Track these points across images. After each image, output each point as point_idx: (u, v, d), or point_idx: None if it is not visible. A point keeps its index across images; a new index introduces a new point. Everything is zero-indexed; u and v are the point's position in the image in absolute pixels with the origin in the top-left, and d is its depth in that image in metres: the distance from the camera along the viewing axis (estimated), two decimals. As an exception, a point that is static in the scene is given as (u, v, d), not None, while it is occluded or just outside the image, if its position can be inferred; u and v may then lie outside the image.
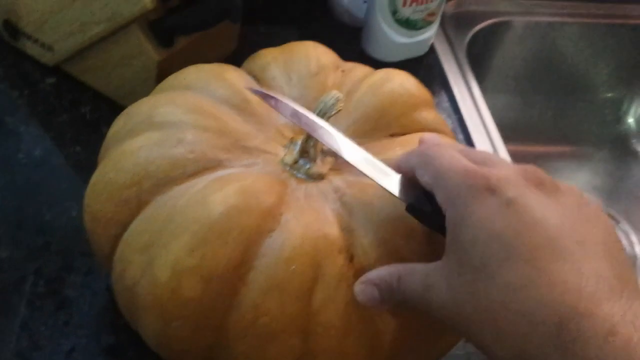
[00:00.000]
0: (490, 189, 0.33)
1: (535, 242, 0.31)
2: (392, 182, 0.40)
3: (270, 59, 0.50)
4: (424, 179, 0.37)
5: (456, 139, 0.70)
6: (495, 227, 0.32)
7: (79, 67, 0.67)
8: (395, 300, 0.37)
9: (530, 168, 0.35)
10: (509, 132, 0.84)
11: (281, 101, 0.44)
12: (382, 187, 0.40)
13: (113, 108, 0.49)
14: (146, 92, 0.50)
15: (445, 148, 0.38)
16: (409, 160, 0.39)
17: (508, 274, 0.31)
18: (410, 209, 0.39)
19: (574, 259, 0.31)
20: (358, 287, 0.38)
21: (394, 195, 0.40)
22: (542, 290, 0.30)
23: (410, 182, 0.40)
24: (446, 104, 0.75)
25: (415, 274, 0.36)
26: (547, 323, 0.30)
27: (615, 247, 0.33)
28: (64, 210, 0.58)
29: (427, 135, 0.43)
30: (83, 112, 0.67)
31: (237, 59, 0.54)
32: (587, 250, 0.31)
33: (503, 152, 0.69)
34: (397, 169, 0.40)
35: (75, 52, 0.65)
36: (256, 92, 0.45)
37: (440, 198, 0.35)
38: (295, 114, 0.43)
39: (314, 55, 0.50)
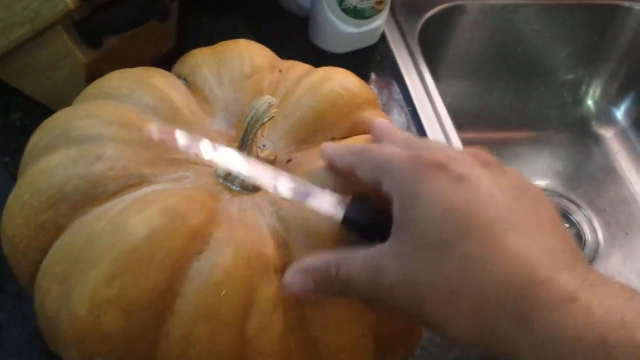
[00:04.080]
0: (440, 166, 0.33)
1: (491, 216, 0.31)
2: (319, 200, 0.38)
3: (201, 60, 0.47)
4: (366, 175, 0.36)
5: (409, 132, 0.68)
6: (449, 201, 0.31)
7: (8, 71, 0.63)
8: (333, 289, 0.35)
9: (476, 149, 0.35)
10: (466, 120, 0.82)
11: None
12: (311, 208, 0.37)
13: (45, 114, 0.46)
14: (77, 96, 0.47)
15: (384, 144, 0.38)
16: (347, 160, 0.37)
17: (465, 248, 0.30)
18: (346, 221, 0.37)
19: (529, 232, 0.31)
20: (289, 277, 0.36)
21: (325, 214, 0.37)
22: (501, 262, 0.30)
23: (337, 199, 0.38)
24: (398, 95, 0.72)
25: (358, 259, 0.34)
26: (506, 294, 0.30)
27: (561, 225, 0.33)
28: (-8, 227, 0.55)
29: (378, 121, 0.42)
30: (13, 119, 0.63)
31: (176, 55, 0.51)
32: (539, 224, 0.32)
33: (457, 142, 0.67)
34: (334, 167, 0.39)
35: (1, 55, 0.60)
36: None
37: (386, 185, 0.34)
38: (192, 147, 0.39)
39: (247, 55, 0.47)
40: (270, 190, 0.38)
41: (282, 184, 0.38)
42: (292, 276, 0.36)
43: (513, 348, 0.30)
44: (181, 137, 0.39)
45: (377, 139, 0.42)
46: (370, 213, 0.37)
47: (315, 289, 0.35)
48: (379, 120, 0.42)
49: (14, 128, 0.63)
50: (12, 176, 0.58)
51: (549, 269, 0.30)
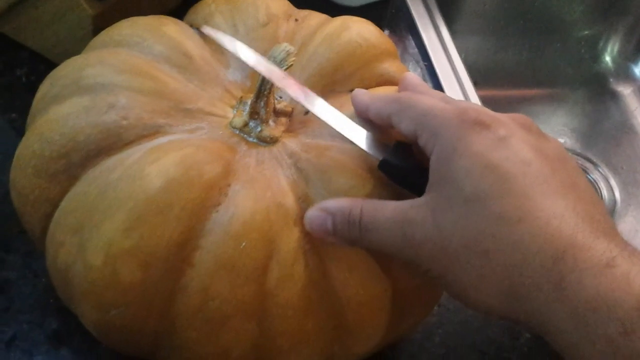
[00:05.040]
0: (484, 124, 0.32)
1: (530, 178, 0.31)
2: (361, 139, 0.37)
3: (214, 8, 0.45)
4: (403, 124, 0.35)
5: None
6: (490, 159, 0.31)
7: (12, 26, 0.61)
8: (352, 235, 0.34)
9: (519, 115, 0.35)
10: (481, 76, 0.80)
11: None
12: (353, 143, 0.37)
13: (51, 69, 0.44)
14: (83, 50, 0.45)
15: (423, 96, 0.36)
16: (383, 108, 0.36)
17: (502, 206, 0.30)
18: (384, 164, 0.36)
19: (569, 198, 0.31)
20: (309, 212, 0.35)
21: (366, 152, 0.37)
22: (539, 223, 0.29)
23: (377, 140, 0.37)
24: (414, 49, 0.70)
25: (387, 209, 0.33)
26: (543, 254, 0.29)
27: (599, 198, 0.33)
28: (0, 185, 0.53)
29: (409, 75, 0.40)
30: (19, 74, 0.62)
31: (185, 10, 0.49)
32: (579, 193, 0.31)
33: (474, 99, 0.65)
34: (365, 116, 0.38)
35: (5, 9, 0.59)
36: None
37: (425, 138, 0.33)
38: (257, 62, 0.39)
39: (262, 3, 0.45)
40: (308, 107, 0.38)
41: (319, 106, 0.39)
42: (312, 212, 0.35)
43: (544, 314, 0.29)
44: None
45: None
46: (410, 161, 0.36)
47: (332, 232, 0.34)
48: (410, 73, 0.41)
49: (20, 84, 0.61)
50: (20, 133, 0.57)
51: (587, 234, 0.29)
